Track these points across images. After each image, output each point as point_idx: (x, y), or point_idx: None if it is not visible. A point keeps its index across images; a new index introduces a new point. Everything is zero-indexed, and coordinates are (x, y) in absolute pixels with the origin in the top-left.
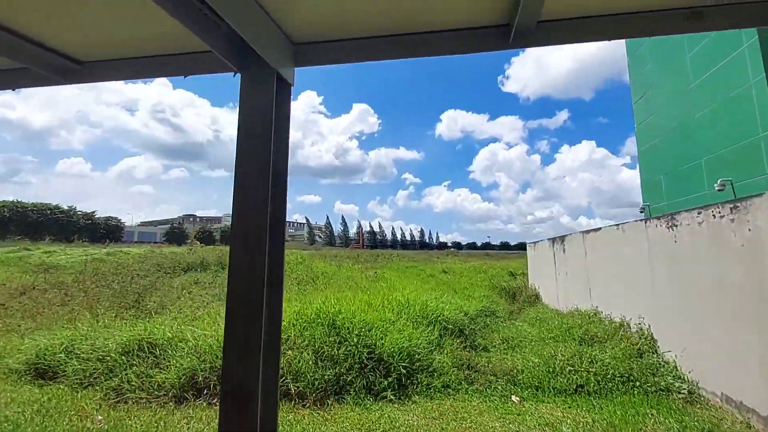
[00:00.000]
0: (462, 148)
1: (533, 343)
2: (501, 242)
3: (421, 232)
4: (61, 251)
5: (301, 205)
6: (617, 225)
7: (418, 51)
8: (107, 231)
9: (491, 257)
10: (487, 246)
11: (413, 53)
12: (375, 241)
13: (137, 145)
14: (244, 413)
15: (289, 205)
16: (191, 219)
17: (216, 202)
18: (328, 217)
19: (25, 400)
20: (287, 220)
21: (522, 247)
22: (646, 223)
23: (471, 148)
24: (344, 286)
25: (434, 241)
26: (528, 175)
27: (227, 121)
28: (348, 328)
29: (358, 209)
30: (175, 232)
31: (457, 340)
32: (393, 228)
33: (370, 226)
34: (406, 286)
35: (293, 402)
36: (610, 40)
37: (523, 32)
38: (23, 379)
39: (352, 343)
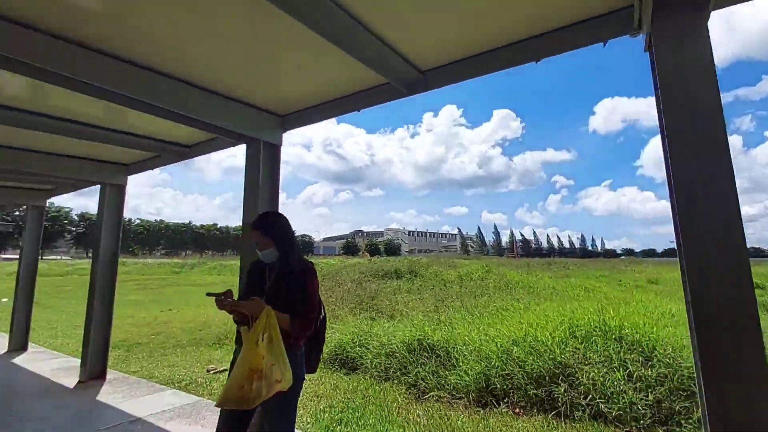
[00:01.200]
0: (624, 141)
1: None
2: None
3: (582, 238)
4: None
5: (449, 217)
6: None
7: None
8: (304, 246)
9: None
10: (671, 252)
11: None
12: (529, 250)
13: (314, 175)
14: None
15: (437, 218)
16: (360, 234)
17: (375, 218)
18: (479, 228)
19: (347, 388)
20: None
21: None
22: None
23: (636, 139)
24: (550, 295)
25: (598, 248)
26: None
27: (379, 144)
28: (648, 345)
29: (506, 217)
30: (349, 246)
31: None
32: (548, 235)
33: (521, 235)
34: (641, 298)
35: (613, 426)
36: None
37: None
38: (330, 367)
39: (665, 364)
